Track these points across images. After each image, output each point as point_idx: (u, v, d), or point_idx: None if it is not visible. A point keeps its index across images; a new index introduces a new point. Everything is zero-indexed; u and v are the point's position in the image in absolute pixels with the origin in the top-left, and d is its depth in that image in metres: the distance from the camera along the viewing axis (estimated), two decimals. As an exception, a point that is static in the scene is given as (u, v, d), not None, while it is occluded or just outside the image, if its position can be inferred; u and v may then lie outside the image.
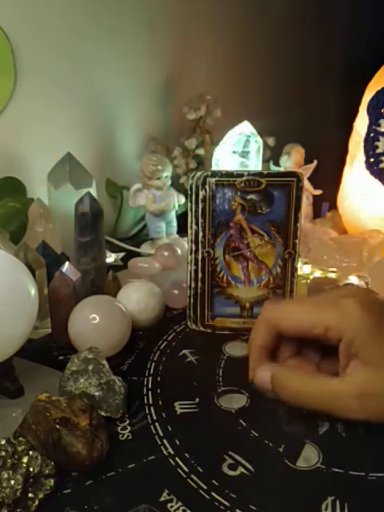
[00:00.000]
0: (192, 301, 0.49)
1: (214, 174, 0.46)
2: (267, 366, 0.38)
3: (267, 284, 0.48)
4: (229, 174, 0.46)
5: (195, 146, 0.76)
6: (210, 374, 0.44)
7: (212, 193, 0.46)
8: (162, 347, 0.48)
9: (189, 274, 0.48)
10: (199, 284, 0.48)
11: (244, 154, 0.65)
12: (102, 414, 0.37)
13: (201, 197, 0.46)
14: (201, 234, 0.47)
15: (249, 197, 0.46)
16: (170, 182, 0.67)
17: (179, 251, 0.63)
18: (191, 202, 0.47)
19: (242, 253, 0.47)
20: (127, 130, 0.78)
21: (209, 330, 0.49)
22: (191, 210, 0.47)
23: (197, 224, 0.47)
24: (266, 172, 0.47)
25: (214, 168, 0.68)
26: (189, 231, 0.48)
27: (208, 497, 0.32)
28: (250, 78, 0.97)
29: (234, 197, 0.46)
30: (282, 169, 0.74)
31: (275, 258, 0.48)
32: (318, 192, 0.75)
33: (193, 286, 0.48)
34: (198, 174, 0.46)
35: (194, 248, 0.48)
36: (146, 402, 0.40)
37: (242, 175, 0.46)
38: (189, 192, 0.47)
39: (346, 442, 0.36)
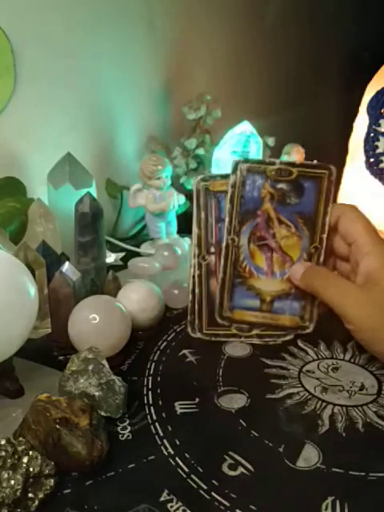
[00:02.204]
0: (197, 307, 0.47)
1: (246, 160, 0.45)
2: (304, 264, 0.45)
3: (290, 278, 0.46)
4: (260, 162, 0.45)
5: (195, 146, 0.76)
6: (210, 374, 0.44)
7: (242, 179, 0.45)
8: (161, 347, 0.48)
9: (191, 279, 0.47)
10: (203, 289, 0.47)
11: (244, 154, 0.65)
12: (102, 413, 0.37)
13: (230, 182, 0.45)
14: (227, 220, 0.45)
15: (279, 186, 0.45)
16: (169, 182, 0.67)
17: (179, 251, 0.62)
18: (196, 205, 0.46)
19: (267, 243, 0.46)
20: (127, 130, 0.78)
21: (226, 323, 0.47)
22: (197, 212, 0.46)
23: (199, 228, 0.46)
24: (298, 162, 0.46)
25: (214, 168, 0.68)
26: (193, 235, 0.47)
27: (208, 497, 0.32)
28: (250, 78, 0.97)
29: (263, 185, 0.45)
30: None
31: (300, 252, 0.46)
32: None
33: (197, 291, 0.47)
34: (199, 178, 0.46)
35: (196, 252, 0.47)
36: (145, 401, 0.40)
37: (273, 163, 0.45)
38: (194, 195, 0.46)
39: (345, 441, 0.36)
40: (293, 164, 0.45)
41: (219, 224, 0.47)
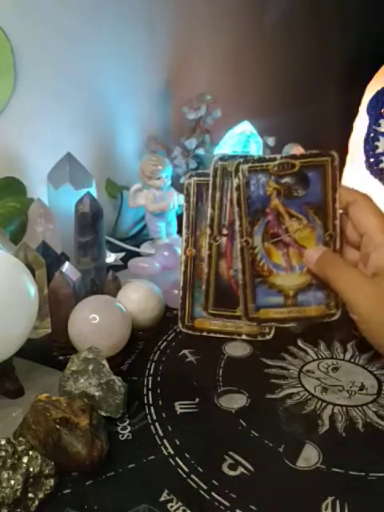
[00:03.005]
0: (205, 286, 0.47)
1: (246, 160, 0.44)
2: (319, 249, 0.44)
3: (304, 262, 0.46)
4: (261, 159, 0.45)
5: (195, 146, 0.76)
6: (210, 374, 0.44)
7: (246, 180, 0.44)
8: (161, 347, 0.48)
9: (182, 275, 0.48)
10: (212, 270, 0.47)
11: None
12: (102, 413, 0.37)
13: (235, 185, 0.45)
14: (237, 223, 0.45)
15: (283, 180, 0.44)
16: (169, 182, 0.67)
17: (179, 251, 0.62)
18: (212, 185, 0.45)
19: (282, 239, 0.45)
20: (127, 130, 0.78)
21: (254, 323, 0.47)
22: (212, 192, 0.46)
23: (214, 208, 0.46)
24: (299, 154, 0.45)
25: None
26: (183, 231, 0.47)
27: (208, 497, 0.32)
28: (250, 78, 0.97)
29: (268, 182, 0.45)
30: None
31: (316, 242, 0.45)
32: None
33: (206, 271, 0.47)
34: (217, 157, 0.45)
35: (209, 232, 0.46)
36: (146, 401, 0.40)
37: (274, 159, 0.44)
38: (210, 174, 0.45)
39: (345, 441, 0.36)
40: (294, 156, 0.45)
41: (234, 207, 0.46)
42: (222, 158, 0.45)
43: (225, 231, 0.46)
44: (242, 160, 0.44)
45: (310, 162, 0.45)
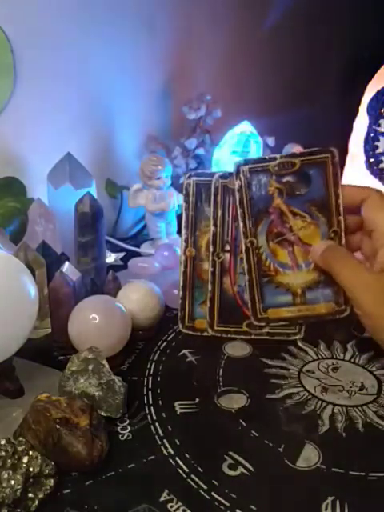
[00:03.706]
0: (209, 304, 0.47)
1: (247, 161, 0.45)
2: (325, 242, 0.44)
3: (317, 266, 0.46)
4: (261, 160, 0.45)
5: (195, 146, 0.76)
6: (210, 374, 0.44)
7: (247, 181, 0.45)
8: (162, 347, 0.48)
9: (182, 275, 0.47)
10: (217, 287, 0.47)
11: (244, 154, 0.65)
12: (102, 413, 0.37)
13: (236, 187, 0.45)
14: (241, 224, 0.45)
15: (285, 179, 0.45)
16: (169, 182, 0.67)
17: (179, 251, 0.62)
18: (214, 202, 0.46)
19: (286, 237, 0.45)
20: (127, 130, 0.78)
21: (263, 324, 0.46)
22: (214, 209, 0.46)
23: (216, 225, 0.46)
24: (299, 152, 0.45)
25: (214, 168, 0.68)
26: (182, 231, 0.47)
27: (208, 497, 0.32)
28: (250, 78, 0.97)
29: (269, 182, 0.45)
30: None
31: (321, 239, 0.45)
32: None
33: (210, 288, 0.47)
34: (217, 175, 0.46)
35: (212, 249, 0.47)
36: (146, 401, 0.40)
37: (274, 159, 0.45)
38: (212, 192, 0.46)
39: (345, 442, 0.36)
40: (294, 155, 0.45)
41: (236, 222, 0.46)
42: (223, 176, 0.46)
43: (227, 247, 0.47)
44: (242, 162, 0.45)
45: (310, 159, 0.45)
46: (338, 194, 0.45)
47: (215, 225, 0.46)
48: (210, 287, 0.47)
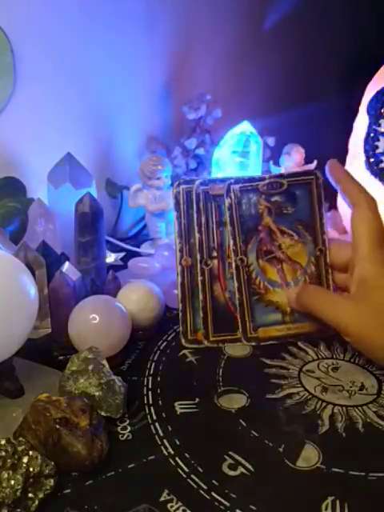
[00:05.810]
0: (202, 314, 0.47)
1: (237, 180, 0.46)
2: (296, 287, 0.46)
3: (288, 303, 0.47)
4: (251, 179, 0.47)
5: (195, 146, 0.76)
6: (210, 374, 0.44)
7: (237, 199, 0.46)
8: (162, 347, 0.48)
9: (180, 287, 0.47)
10: (208, 295, 0.47)
11: (244, 154, 0.65)
12: (102, 413, 0.37)
13: (226, 205, 0.46)
14: (231, 242, 0.46)
15: (273, 199, 0.47)
16: (169, 182, 0.67)
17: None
18: (197, 209, 0.46)
19: (275, 255, 0.47)
20: (127, 130, 0.78)
21: (253, 343, 0.47)
22: (197, 216, 0.46)
23: (201, 232, 0.46)
24: (285, 173, 0.48)
25: (214, 168, 0.68)
26: (175, 241, 0.47)
27: (208, 497, 0.32)
28: (250, 78, 0.97)
29: (259, 200, 0.47)
30: (282, 169, 0.74)
31: (308, 256, 0.47)
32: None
33: (201, 297, 0.47)
34: (198, 182, 0.46)
35: (198, 258, 0.47)
36: (145, 402, 0.40)
37: (263, 178, 0.47)
38: (194, 199, 0.46)
39: (345, 442, 0.36)
40: (281, 175, 0.47)
41: (221, 228, 0.47)
42: (203, 183, 0.47)
43: (214, 253, 0.47)
44: (232, 180, 0.46)
45: (296, 180, 0.47)
46: (322, 214, 0.47)
47: (200, 232, 0.47)
48: (200, 297, 0.47)
